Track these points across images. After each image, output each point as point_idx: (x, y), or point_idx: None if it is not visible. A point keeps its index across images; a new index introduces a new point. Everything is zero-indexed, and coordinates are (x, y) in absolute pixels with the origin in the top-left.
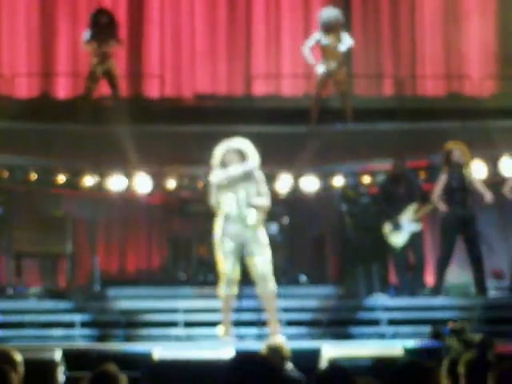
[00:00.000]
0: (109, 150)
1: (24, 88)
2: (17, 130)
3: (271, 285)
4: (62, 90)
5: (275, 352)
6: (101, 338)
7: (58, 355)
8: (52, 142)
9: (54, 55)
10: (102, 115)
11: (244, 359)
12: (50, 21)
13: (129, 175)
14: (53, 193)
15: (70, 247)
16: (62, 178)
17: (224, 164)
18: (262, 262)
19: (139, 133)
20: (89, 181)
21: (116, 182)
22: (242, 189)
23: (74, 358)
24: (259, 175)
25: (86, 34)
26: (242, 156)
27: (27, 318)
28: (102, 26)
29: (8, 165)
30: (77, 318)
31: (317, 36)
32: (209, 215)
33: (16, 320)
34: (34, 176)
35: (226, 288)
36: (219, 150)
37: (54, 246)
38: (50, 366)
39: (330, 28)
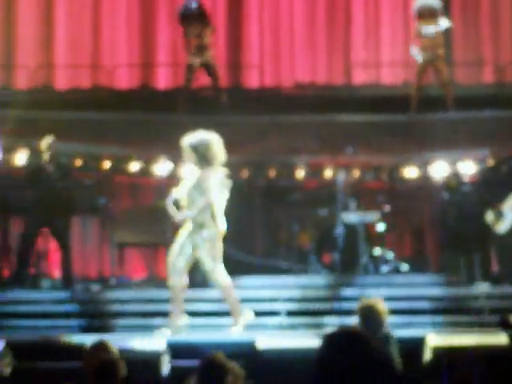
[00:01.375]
0: None
1: (124, 79)
2: (118, 120)
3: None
4: (162, 80)
5: (370, 311)
6: (202, 328)
7: (162, 345)
8: (153, 132)
9: (154, 46)
10: (202, 105)
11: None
12: (149, 11)
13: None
14: (154, 183)
15: (170, 237)
16: (163, 169)
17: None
18: None
19: (239, 122)
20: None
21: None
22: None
23: (177, 348)
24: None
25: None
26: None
27: (131, 307)
28: (194, 16)
29: (110, 155)
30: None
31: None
32: (309, 204)
33: (120, 310)
34: (136, 166)
35: None
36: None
37: (155, 236)
38: (155, 355)
39: (426, 15)
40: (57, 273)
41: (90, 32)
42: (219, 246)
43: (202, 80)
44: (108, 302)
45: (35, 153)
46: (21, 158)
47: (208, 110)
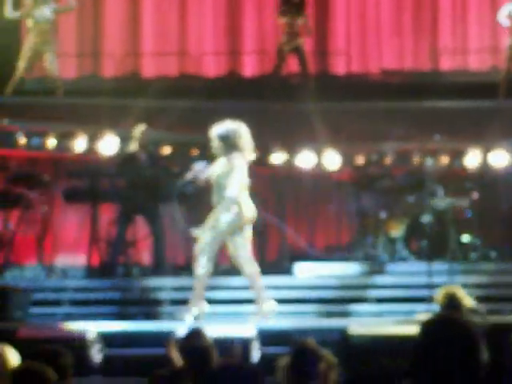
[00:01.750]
0: (297, 127)
1: (211, 66)
2: (205, 108)
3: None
4: (249, 67)
5: (451, 298)
6: (290, 314)
7: (252, 332)
8: (239, 119)
9: (241, 33)
10: (289, 92)
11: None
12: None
13: (318, 152)
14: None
15: (259, 223)
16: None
17: None
18: None
19: (327, 109)
20: (278, 158)
21: (305, 159)
22: None
23: (267, 335)
24: None
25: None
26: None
27: (221, 294)
28: (294, 2)
29: (198, 143)
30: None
31: (509, 7)
32: (397, 191)
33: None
34: None
35: None
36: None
37: None
38: (245, 342)
39: None
40: (146, 260)
41: (176, 20)
42: (246, 232)
43: (291, 67)
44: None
45: (124, 141)
46: (109, 145)
47: (295, 97)
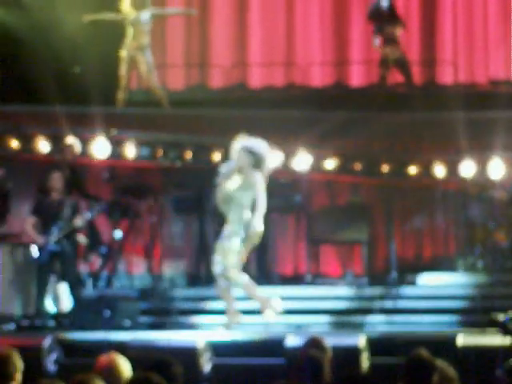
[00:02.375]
0: (404, 136)
1: (318, 77)
2: (312, 118)
3: None
4: (356, 77)
5: None
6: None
7: (362, 341)
8: (347, 129)
9: (348, 44)
10: (396, 102)
11: None
12: (342, 9)
13: (424, 162)
14: (349, 181)
15: (366, 234)
16: (358, 166)
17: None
18: None
19: (434, 120)
20: (385, 168)
21: (411, 169)
22: None
23: (377, 344)
24: None
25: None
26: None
27: (328, 304)
28: (386, 15)
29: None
30: (377, 304)
31: None
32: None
33: (317, 307)
34: (332, 164)
35: None
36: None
37: (351, 233)
38: (355, 351)
39: None
40: (251, 269)
41: (283, 30)
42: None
43: (396, 77)
44: (303, 299)
45: (229, 151)
46: (216, 156)
47: (402, 106)
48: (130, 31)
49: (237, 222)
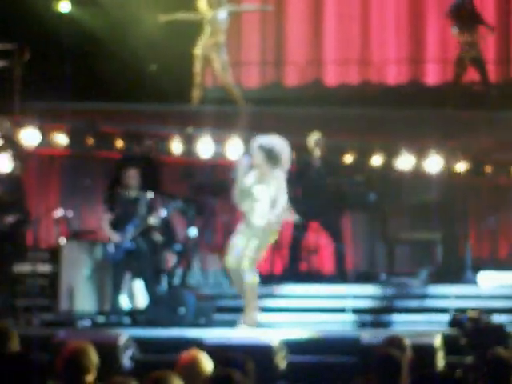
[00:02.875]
0: (480, 135)
1: (393, 74)
2: (387, 116)
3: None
4: (431, 76)
5: None
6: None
7: (437, 341)
8: (423, 127)
9: (423, 42)
10: (471, 101)
11: None
12: (418, 8)
13: (500, 162)
14: (427, 179)
15: (441, 233)
16: (432, 164)
17: None
18: None
19: (509, 118)
20: (461, 167)
21: (487, 168)
22: None
23: (453, 343)
24: None
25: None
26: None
27: (412, 303)
28: (467, 13)
29: (381, 151)
30: (451, 303)
31: None
32: None
33: (400, 305)
34: (406, 162)
35: None
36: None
37: (425, 232)
38: (431, 350)
39: None
40: (327, 268)
41: (358, 28)
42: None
43: (472, 75)
44: (378, 298)
45: (303, 149)
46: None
47: (477, 105)
48: (206, 29)
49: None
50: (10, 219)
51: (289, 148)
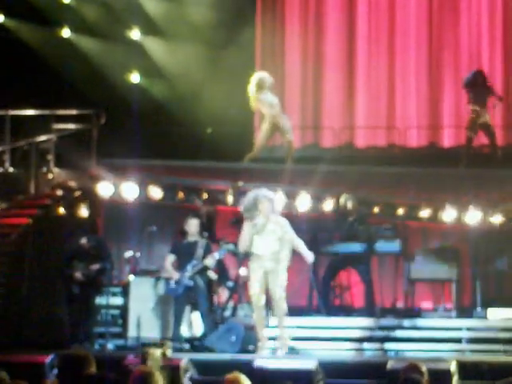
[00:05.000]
0: (489, 189)
1: (414, 138)
2: (409, 174)
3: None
4: (447, 139)
5: None
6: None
7: (453, 366)
8: (440, 184)
9: (440, 110)
10: (479, 161)
11: None
12: (436, 81)
13: (506, 212)
14: (441, 227)
15: (456, 274)
16: (448, 215)
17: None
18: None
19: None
20: (472, 216)
21: (495, 218)
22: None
23: (465, 369)
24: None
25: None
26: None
27: (421, 333)
28: (479, 85)
29: (404, 203)
30: (464, 334)
31: None
32: None
33: (411, 336)
34: (426, 213)
35: None
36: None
37: (443, 273)
38: (448, 375)
39: None
40: (357, 303)
41: (385, 98)
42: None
43: (481, 139)
44: (401, 329)
45: (340, 202)
46: (328, 205)
47: (485, 165)
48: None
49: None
50: (95, 267)
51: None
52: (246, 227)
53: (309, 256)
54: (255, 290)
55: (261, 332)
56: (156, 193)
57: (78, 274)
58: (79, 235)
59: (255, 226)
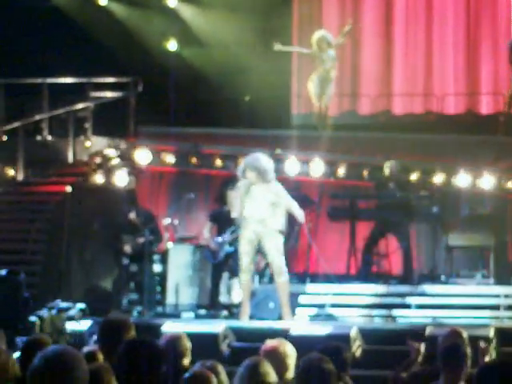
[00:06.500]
0: None
1: (452, 105)
2: (447, 141)
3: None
4: (485, 106)
5: None
6: None
7: (491, 332)
8: (477, 151)
9: (478, 77)
10: None
11: None
12: (473, 48)
13: None
14: (479, 194)
15: (493, 241)
16: (486, 182)
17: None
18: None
19: None
20: (510, 184)
21: None
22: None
23: (504, 336)
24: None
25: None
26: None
27: (461, 300)
28: None
29: (441, 170)
30: (502, 301)
31: None
32: None
33: (451, 303)
34: (464, 180)
35: None
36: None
37: (480, 240)
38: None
39: None
40: (396, 270)
41: (422, 65)
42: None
43: None
44: (439, 296)
45: (377, 169)
46: (365, 172)
47: None
48: (317, 63)
49: None
50: (141, 240)
51: (271, 161)
52: (239, 193)
53: (299, 216)
54: (245, 258)
55: (244, 298)
56: (192, 160)
57: (128, 248)
58: (127, 208)
59: (247, 191)
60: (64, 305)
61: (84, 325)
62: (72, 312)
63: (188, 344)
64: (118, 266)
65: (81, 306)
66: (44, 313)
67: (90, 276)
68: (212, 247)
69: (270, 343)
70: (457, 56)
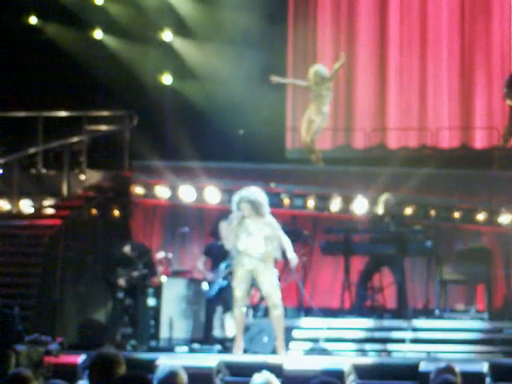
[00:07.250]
0: None
1: (446, 139)
2: (441, 175)
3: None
4: (479, 141)
5: None
6: None
7: (485, 368)
8: (471, 186)
9: (472, 111)
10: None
11: None
12: (468, 82)
13: None
14: (472, 229)
15: (487, 275)
16: (480, 217)
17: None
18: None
19: None
20: (506, 218)
21: None
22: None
23: (498, 371)
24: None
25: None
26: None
27: (454, 335)
28: None
29: (435, 205)
30: (496, 336)
31: None
32: None
33: (445, 337)
34: (457, 214)
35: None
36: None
37: (474, 275)
38: (480, 377)
39: None
40: (390, 305)
41: (416, 99)
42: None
43: None
44: (433, 331)
45: (373, 203)
46: (361, 207)
47: None
48: (313, 97)
49: None
50: (135, 274)
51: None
52: (232, 224)
53: (293, 259)
54: (239, 292)
55: (238, 332)
56: (188, 194)
57: (122, 281)
58: (122, 242)
59: (241, 223)
60: (42, 338)
61: (79, 359)
62: (52, 346)
63: (185, 378)
64: (112, 299)
65: (60, 340)
66: (20, 346)
67: (84, 309)
68: (209, 279)
69: (257, 377)
70: (451, 90)
